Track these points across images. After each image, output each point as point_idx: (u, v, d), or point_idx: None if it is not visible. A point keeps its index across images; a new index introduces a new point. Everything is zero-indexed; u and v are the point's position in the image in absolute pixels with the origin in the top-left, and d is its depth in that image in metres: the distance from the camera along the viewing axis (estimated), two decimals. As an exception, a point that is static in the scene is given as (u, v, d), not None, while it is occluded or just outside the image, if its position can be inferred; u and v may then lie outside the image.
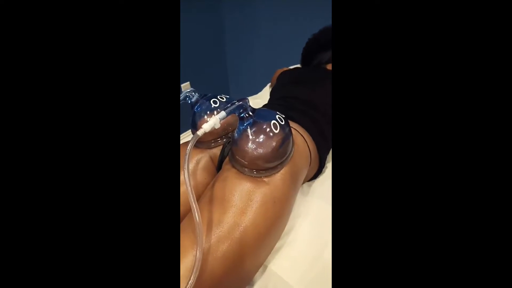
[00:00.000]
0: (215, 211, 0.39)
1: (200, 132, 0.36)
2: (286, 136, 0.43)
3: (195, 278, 0.31)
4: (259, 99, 1.08)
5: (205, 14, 1.61)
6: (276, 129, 0.41)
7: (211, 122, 0.36)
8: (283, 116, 0.44)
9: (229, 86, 1.98)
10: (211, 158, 0.51)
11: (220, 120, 0.37)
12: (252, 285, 0.43)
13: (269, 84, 1.15)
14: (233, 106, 0.39)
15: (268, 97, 0.84)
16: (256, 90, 1.23)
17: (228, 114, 0.38)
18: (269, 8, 1.50)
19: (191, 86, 1.66)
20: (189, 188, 0.33)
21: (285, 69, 0.95)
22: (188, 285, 0.30)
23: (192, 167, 0.49)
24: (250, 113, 0.41)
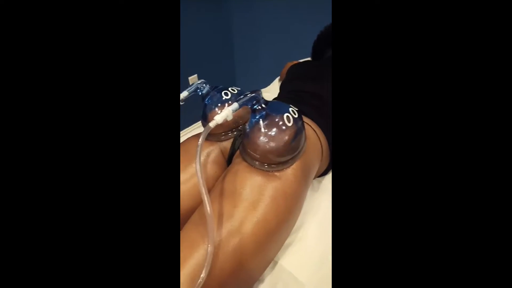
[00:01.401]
0: (226, 205, 0.38)
1: (212, 124, 0.35)
2: (299, 130, 0.42)
3: (207, 273, 0.30)
4: (268, 93, 1.07)
5: (213, 7, 1.59)
6: (289, 123, 0.40)
7: (224, 114, 0.35)
8: (297, 109, 0.43)
9: (235, 80, 1.97)
10: (222, 151, 0.50)
11: (233, 112, 0.36)
12: (262, 280, 0.43)
13: (278, 77, 1.13)
14: (246, 98, 0.38)
15: (277, 90, 0.83)
16: (264, 83, 1.21)
17: (240, 106, 0.37)
18: (278, 2, 1.47)
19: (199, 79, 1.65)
20: (200, 180, 0.32)
21: (295, 62, 0.93)
22: (200, 279, 0.30)
23: (203, 160, 0.48)
24: (263, 106, 0.39)
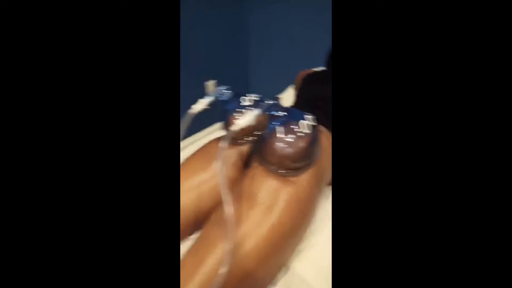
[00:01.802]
0: (242, 208, 0.40)
1: (235, 128, 0.37)
2: (315, 137, 0.43)
3: (225, 269, 0.31)
4: (283, 100, 1.08)
5: (228, 13, 1.62)
6: (306, 130, 0.42)
7: (246, 119, 0.37)
8: (314, 116, 0.45)
9: (248, 87, 1.99)
10: (239, 155, 0.51)
11: (255, 118, 0.38)
12: (275, 284, 0.43)
13: (292, 85, 1.15)
14: (267, 104, 0.40)
15: (291, 98, 0.85)
16: (277, 91, 1.23)
17: (262, 112, 0.39)
18: (293, 8, 1.50)
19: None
20: (222, 182, 0.34)
21: (310, 71, 0.94)
22: (220, 274, 0.31)
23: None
24: (282, 112, 0.41)
